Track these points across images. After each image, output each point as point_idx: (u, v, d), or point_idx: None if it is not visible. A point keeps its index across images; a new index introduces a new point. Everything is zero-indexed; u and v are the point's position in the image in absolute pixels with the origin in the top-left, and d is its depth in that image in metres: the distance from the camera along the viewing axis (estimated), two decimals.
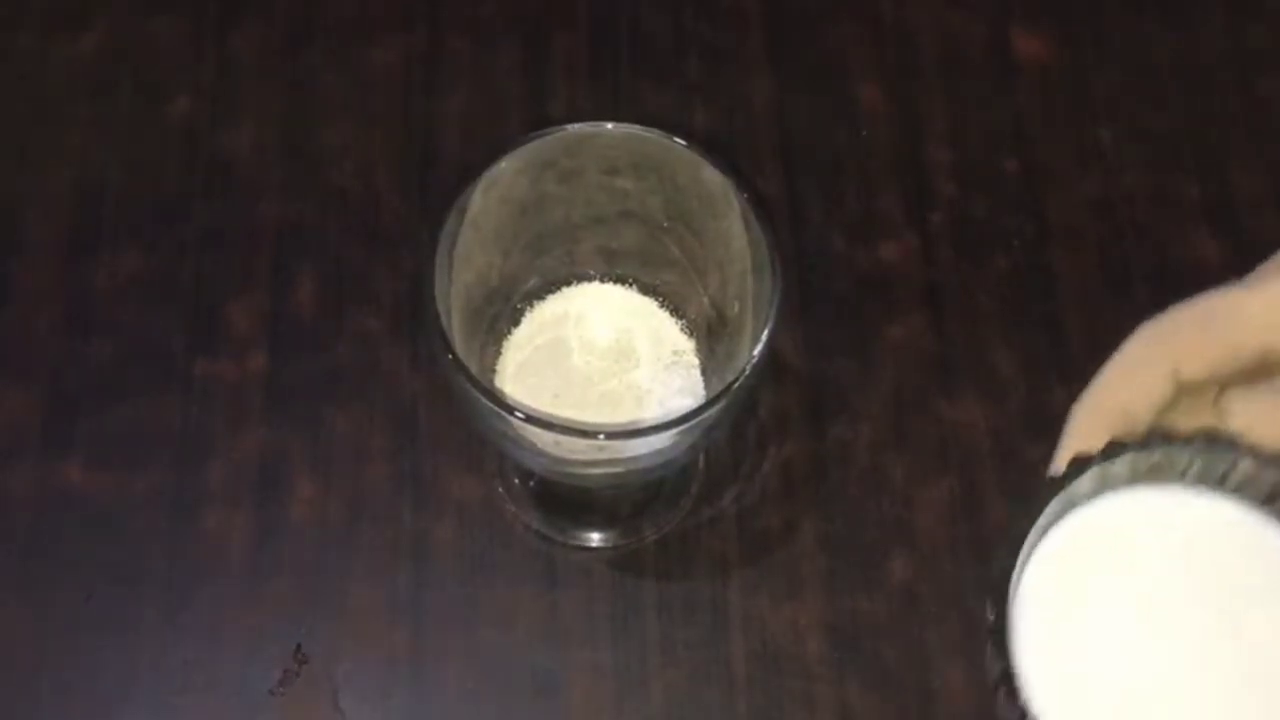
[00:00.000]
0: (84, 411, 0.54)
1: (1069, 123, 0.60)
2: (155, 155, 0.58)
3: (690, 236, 0.45)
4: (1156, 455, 0.35)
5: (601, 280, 0.48)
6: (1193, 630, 0.34)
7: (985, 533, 0.53)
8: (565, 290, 0.48)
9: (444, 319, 0.41)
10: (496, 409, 0.39)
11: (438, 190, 0.57)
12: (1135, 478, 0.35)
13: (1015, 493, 0.53)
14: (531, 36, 0.61)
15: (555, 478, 0.45)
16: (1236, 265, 0.57)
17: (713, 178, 0.42)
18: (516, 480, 0.54)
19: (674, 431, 0.40)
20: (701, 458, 0.53)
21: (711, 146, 0.42)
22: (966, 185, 0.58)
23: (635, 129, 0.43)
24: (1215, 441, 0.34)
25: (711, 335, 0.47)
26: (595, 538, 0.53)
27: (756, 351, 0.40)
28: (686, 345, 0.48)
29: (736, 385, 0.40)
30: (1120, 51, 0.61)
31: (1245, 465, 0.34)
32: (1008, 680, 0.33)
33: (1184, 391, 0.36)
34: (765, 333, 0.40)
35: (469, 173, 0.41)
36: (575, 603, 0.52)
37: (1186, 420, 0.36)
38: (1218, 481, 0.35)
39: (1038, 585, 0.34)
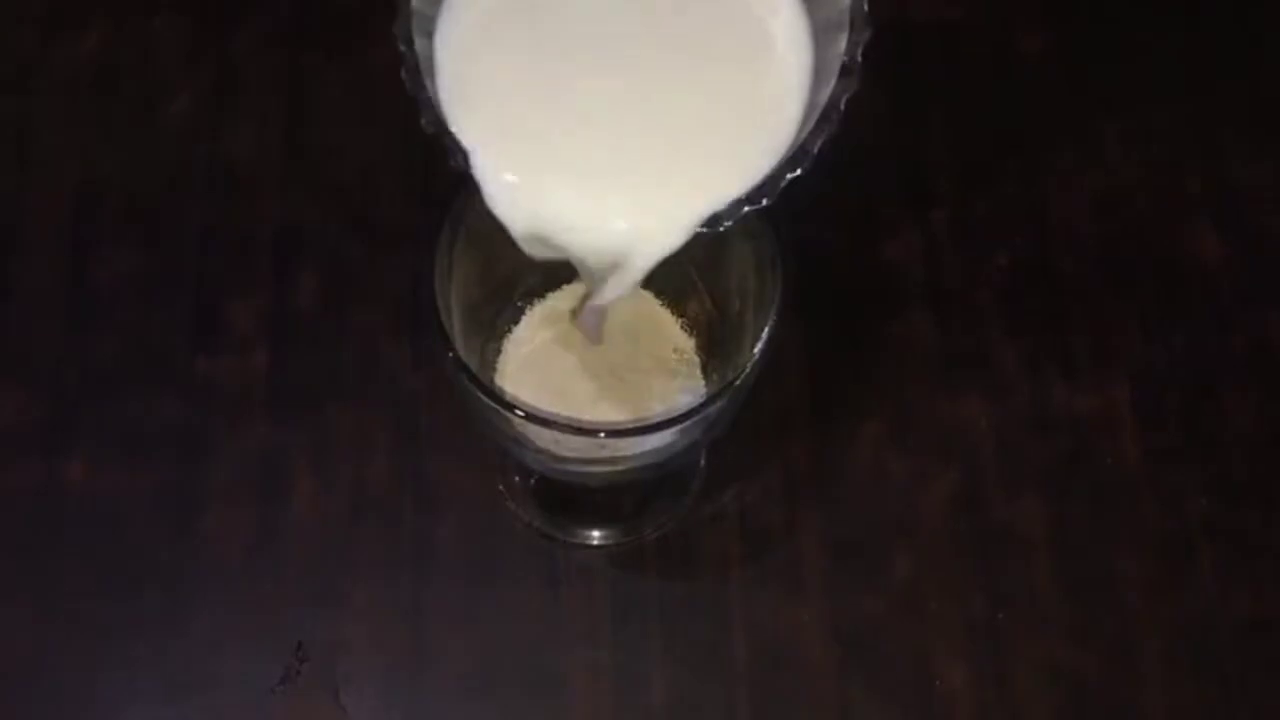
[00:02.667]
0: (85, 410, 0.54)
1: (1070, 119, 0.60)
2: (156, 154, 0.58)
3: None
4: None
5: None
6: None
7: (988, 530, 0.53)
8: (566, 288, 0.48)
9: (444, 317, 0.41)
10: (496, 407, 0.39)
11: (438, 188, 0.57)
12: None
13: (1018, 490, 0.53)
14: None
15: (556, 475, 0.45)
16: (1239, 261, 0.57)
17: None
18: (517, 478, 0.54)
19: (675, 429, 0.40)
20: (703, 455, 0.53)
21: None
22: (968, 182, 0.58)
23: None
24: None
25: (712, 333, 0.47)
26: (596, 535, 0.53)
27: (757, 349, 0.40)
28: (687, 343, 0.48)
29: (737, 383, 0.40)
30: (1122, 47, 0.61)
31: None
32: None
33: None
34: (766, 330, 0.40)
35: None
36: (576, 600, 0.52)
37: None
38: None
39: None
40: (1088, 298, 0.56)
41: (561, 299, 0.48)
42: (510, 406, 0.39)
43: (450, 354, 0.40)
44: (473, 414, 0.42)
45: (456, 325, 0.42)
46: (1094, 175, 0.58)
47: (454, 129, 0.34)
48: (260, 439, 0.53)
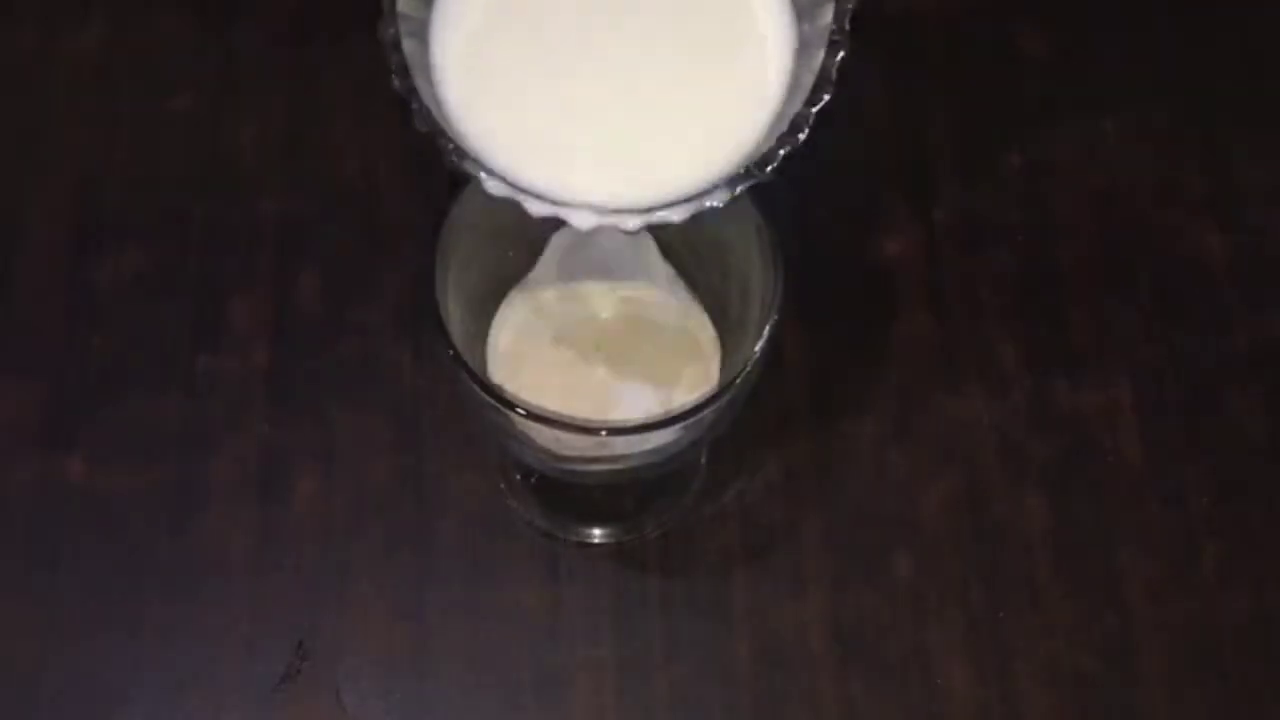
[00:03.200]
0: (85, 408, 0.54)
1: (1072, 116, 0.59)
2: (157, 151, 0.58)
3: (692, 231, 0.45)
4: None
5: None
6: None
7: (989, 529, 0.53)
8: (567, 286, 0.48)
9: (444, 314, 0.41)
10: (497, 405, 0.39)
11: (439, 185, 0.57)
12: None
13: (1019, 488, 0.53)
14: None
15: (557, 474, 0.45)
16: (1241, 259, 0.57)
17: None
18: (518, 476, 0.54)
19: (676, 427, 0.40)
20: (704, 453, 0.53)
21: None
22: (969, 180, 0.58)
23: None
24: None
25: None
26: (597, 534, 0.53)
27: (758, 347, 0.40)
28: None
29: (739, 381, 0.40)
30: (1123, 43, 0.61)
31: None
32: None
33: None
34: (767, 328, 0.40)
35: None
36: (577, 599, 0.51)
37: None
38: None
39: None
40: (1088, 296, 0.56)
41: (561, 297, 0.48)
42: (510, 405, 0.39)
43: (450, 352, 0.40)
44: (473, 412, 0.42)
45: (456, 323, 0.42)
46: (1096, 171, 0.58)
47: (459, 133, 0.34)
48: (260, 437, 0.53)
